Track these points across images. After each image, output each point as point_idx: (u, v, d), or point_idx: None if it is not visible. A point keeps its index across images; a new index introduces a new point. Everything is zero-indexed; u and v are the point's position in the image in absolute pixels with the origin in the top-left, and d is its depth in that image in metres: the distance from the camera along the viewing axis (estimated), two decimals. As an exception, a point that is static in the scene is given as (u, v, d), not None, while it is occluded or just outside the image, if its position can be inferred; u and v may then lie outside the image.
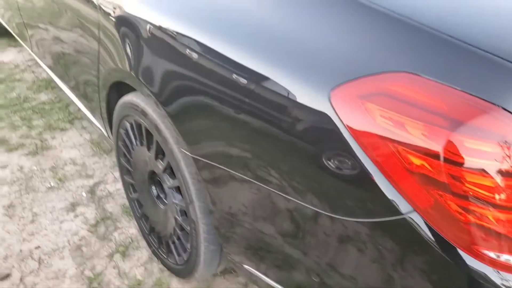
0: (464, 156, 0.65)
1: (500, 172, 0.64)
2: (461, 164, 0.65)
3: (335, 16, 0.81)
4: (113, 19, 1.28)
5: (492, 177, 0.64)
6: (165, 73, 1.09)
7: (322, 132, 0.77)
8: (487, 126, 0.64)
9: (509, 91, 0.64)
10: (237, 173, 0.98)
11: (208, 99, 0.97)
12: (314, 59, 0.78)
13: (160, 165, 1.28)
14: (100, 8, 1.33)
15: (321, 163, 0.77)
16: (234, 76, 0.89)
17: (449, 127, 0.65)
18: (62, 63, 1.92)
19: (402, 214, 0.70)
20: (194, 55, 0.97)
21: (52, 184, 1.90)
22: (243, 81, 0.87)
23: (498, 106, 0.63)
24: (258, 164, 0.92)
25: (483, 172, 0.65)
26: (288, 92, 0.80)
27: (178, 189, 1.26)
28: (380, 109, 0.70)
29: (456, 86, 0.66)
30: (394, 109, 0.69)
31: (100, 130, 1.78)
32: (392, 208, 0.71)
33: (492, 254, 0.66)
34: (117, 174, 1.97)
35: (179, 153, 1.13)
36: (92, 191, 1.87)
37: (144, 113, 1.24)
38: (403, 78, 0.69)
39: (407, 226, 0.70)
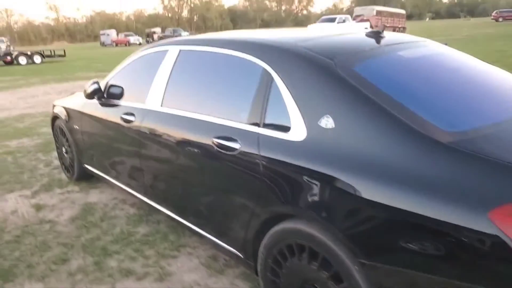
0: None
1: None
2: None
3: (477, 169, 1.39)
4: (277, 170, 1.83)
5: None
6: (339, 208, 1.61)
7: (485, 237, 1.28)
8: None
9: None
10: (405, 269, 1.45)
11: (379, 223, 1.49)
12: (470, 195, 1.33)
13: (323, 275, 1.72)
14: (262, 163, 1.89)
15: (486, 252, 1.28)
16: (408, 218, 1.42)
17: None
18: (196, 205, 2.44)
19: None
20: (361, 196, 1.51)
21: (190, 303, 2.26)
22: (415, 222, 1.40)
23: None
24: (426, 259, 1.40)
25: None
26: (456, 218, 1.33)
27: (340, 291, 1.69)
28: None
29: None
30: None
31: (226, 254, 2.24)
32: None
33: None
34: (237, 290, 2.36)
35: (351, 262, 1.60)
36: (225, 306, 2.24)
37: (310, 236, 1.72)
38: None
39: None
